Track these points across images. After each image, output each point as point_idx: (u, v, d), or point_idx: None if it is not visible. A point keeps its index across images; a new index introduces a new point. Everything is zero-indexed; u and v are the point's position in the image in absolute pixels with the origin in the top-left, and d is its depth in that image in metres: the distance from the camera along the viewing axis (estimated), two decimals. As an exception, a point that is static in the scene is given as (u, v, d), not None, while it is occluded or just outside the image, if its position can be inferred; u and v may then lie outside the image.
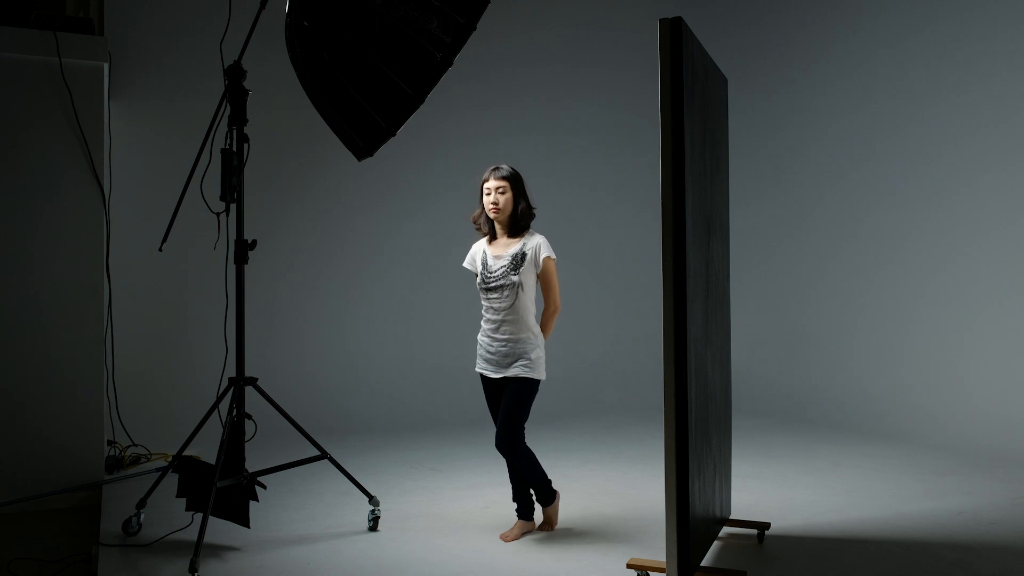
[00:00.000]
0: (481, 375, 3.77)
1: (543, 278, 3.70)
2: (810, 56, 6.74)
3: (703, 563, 3.28)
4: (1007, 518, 3.96)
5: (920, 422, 5.60)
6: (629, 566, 3.24)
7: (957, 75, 5.62)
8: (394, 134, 3.66)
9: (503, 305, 3.67)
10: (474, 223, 3.81)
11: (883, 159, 6.14)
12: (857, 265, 6.33)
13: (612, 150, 7.33)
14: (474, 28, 3.55)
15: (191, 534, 3.53)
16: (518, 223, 3.71)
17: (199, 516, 3.46)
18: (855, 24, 6.36)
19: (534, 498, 3.82)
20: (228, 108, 3.64)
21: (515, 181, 3.70)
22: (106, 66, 4.68)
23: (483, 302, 3.75)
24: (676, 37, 2.93)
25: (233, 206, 3.64)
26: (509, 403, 3.64)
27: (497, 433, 3.66)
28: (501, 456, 3.84)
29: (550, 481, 3.81)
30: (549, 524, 3.81)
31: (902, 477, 4.71)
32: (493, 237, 3.77)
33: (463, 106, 6.65)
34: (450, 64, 3.56)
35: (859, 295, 6.31)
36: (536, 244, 3.68)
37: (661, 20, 2.94)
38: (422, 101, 3.59)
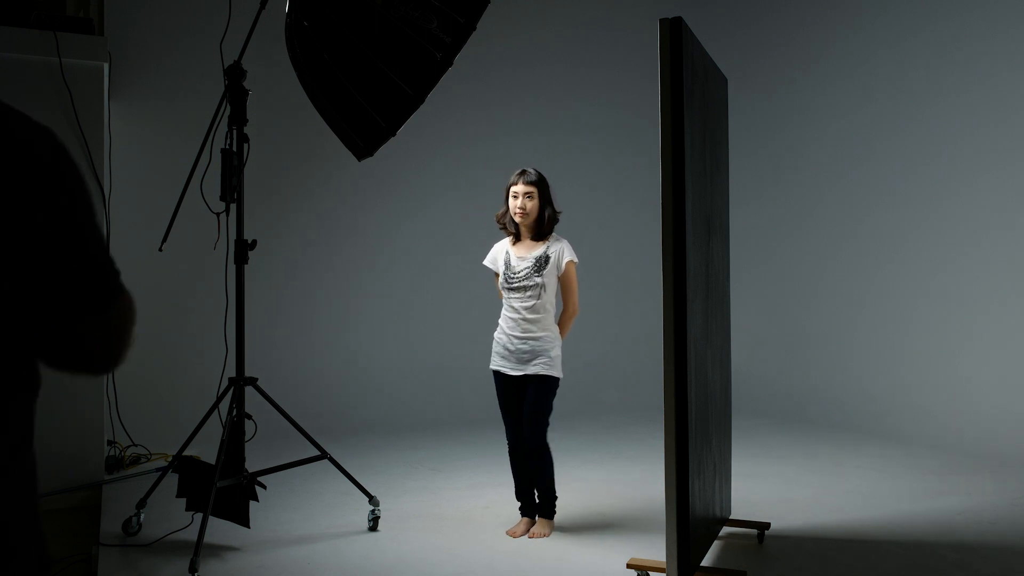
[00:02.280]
0: (497, 372, 3.79)
1: (564, 281, 3.76)
2: (810, 56, 6.73)
3: (703, 563, 3.28)
4: (1007, 518, 3.96)
5: (920, 422, 5.60)
6: (629, 566, 3.24)
7: (957, 75, 5.62)
8: (394, 134, 3.66)
9: (526, 304, 3.71)
10: (498, 222, 3.84)
11: (883, 159, 6.13)
12: (857, 265, 6.33)
13: (612, 150, 7.33)
14: (474, 28, 3.55)
15: (191, 534, 3.53)
16: (543, 228, 3.77)
17: (199, 516, 3.46)
18: (855, 24, 6.36)
19: (536, 500, 3.83)
20: (228, 108, 3.64)
21: (542, 186, 3.75)
22: (106, 66, 4.68)
23: (504, 300, 3.79)
24: (676, 37, 2.93)
25: (233, 206, 3.64)
26: (534, 402, 3.71)
27: (524, 431, 3.73)
28: (508, 456, 3.85)
29: (556, 497, 3.83)
30: (541, 533, 3.78)
31: (902, 477, 4.71)
32: (517, 238, 3.81)
33: (463, 106, 6.65)
34: (450, 64, 3.56)
35: (859, 295, 6.31)
36: (560, 248, 3.75)
37: (661, 20, 2.94)
38: (422, 101, 3.59)
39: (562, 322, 3.81)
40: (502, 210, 3.81)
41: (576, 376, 5.52)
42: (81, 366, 1.19)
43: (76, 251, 1.11)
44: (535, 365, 3.70)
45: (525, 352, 3.71)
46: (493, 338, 3.84)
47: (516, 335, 3.73)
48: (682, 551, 2.91)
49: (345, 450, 5.09)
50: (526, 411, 3.73)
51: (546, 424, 3.74)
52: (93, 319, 1.13)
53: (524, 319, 3.72)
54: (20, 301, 1.06)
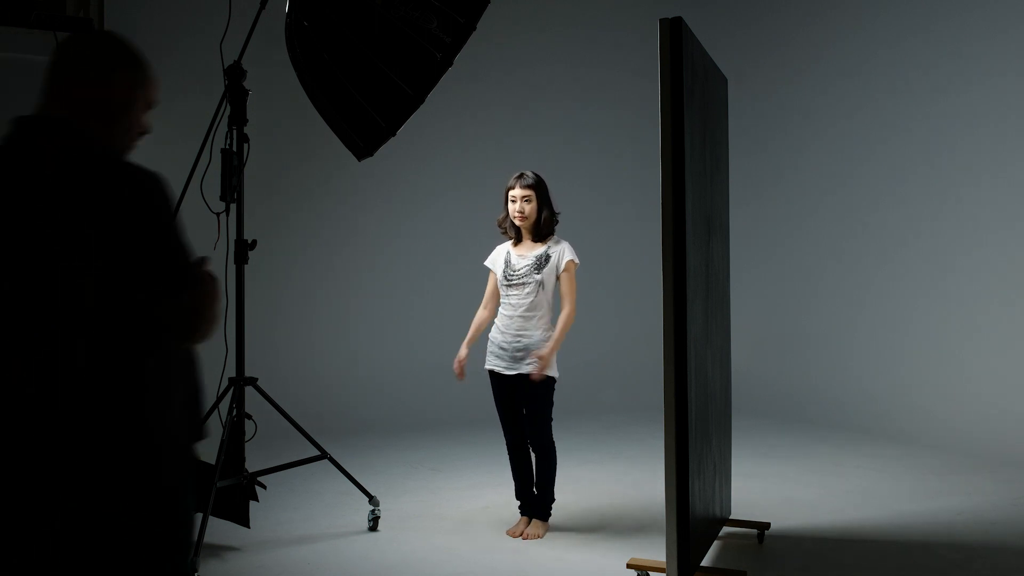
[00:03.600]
0: (492, 372, 3.80)
1: (563, 281, 3.77)
2: (810, 56, 6.73)
3: (703, 563, 3.28)
4: (1007, 518, 3.96)
5: (920, 422, 5.60)
6: (629, 566, 3.24)
7: (957, 75, 5.62)
8: (394, 134, 3.66)
9: (523, 301, 3.73)
10: (499, 226, 3.88)
11: (883, 159, 6.13)
12: (857, 265, 6.32)
13: (612, 150, 7.33)
14: (474, 28, 3.55)
15: (191, 534, 3.52)
16: (542, 230, 3.79)
17: (199, 516, 3.46)
18: (855, 24, 6.36)
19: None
20: (228, 108, 3.64)
21: (540, 189, 3.77)
22: (106, 66, 4.67)
23: (502, 299, 3.81)
24: (676, 37, 2.93)
25: (233, 206, 3.65)
26: (534, 403, 3.73)
27: (528, 432, 3.76)
28: (507, 454, 3.86)
29: (554, 500, 3.84)
30: (535, 534, 3.77)
31: (902, 477, 4.71)
32: (518, 240, 3.84)
33: (463, 106, 6.65)
34: (450, 64, 3.56)
35: (859, 295, 6.30)
36: (561, 249, 3.78)
37: (661, 20, 2.94)
38: (422, 101, 3.59)
39: (560, 324, 3.78)
40: (502, 215, 3.84)
41: (576, 376, 5.55)
42: (172, 334, 1.70)
43: (162, 256, 1.67)
44: (529, 364, 3.70)
45: (519, 350, 3.71)
46: (489, 338, 3.85)
47: (511, 332, 3.74)
48: (682, 551, 2.91)
49: (345, 450, 5.09)
50: (527, 412, 3.76)
51: (549, 420, 3.77)
52: (170, 302, 1.66)
53: (520, 316, 3.73)
54: (131, 292, 1.64)
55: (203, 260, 1.75)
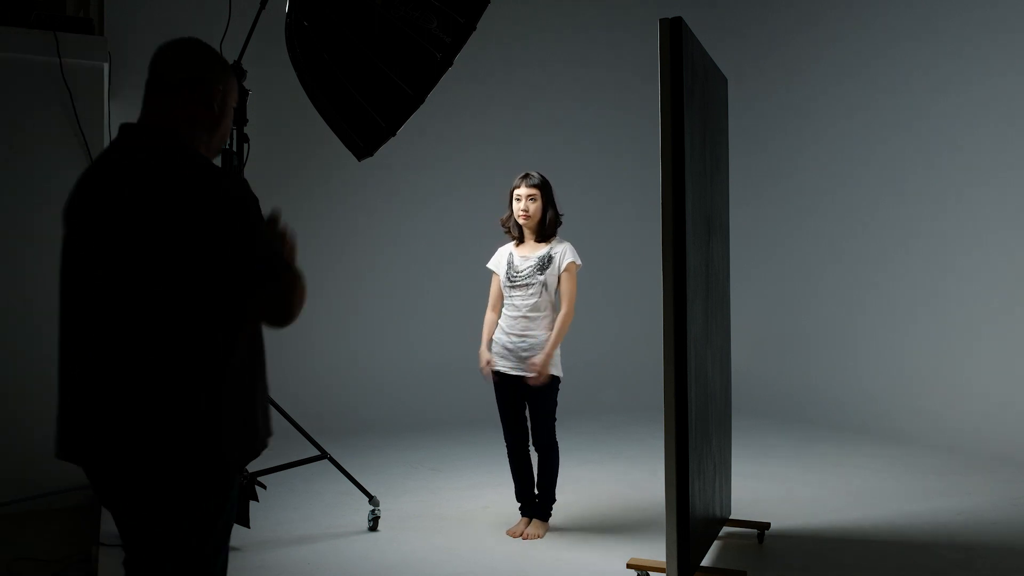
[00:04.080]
0: (495, 372, 3.81)
1: (563, 282, 3.78)
2: (810, 56, 6.73)
3: (703, 563, 3.28)
4: (1007, 518, 3.96)
5: (920, 422, 5.60)
6: (629, 566, 3.24)
7: (957, 75, 5.62)
8: (394, 134, 3.67)
9: (526, 303, 3.75)
10: (503, 226, 3.89)
11: (883, 159, 6.13)
12: (857, 265, 6.33)
13: (612, 150, 7.33)
14: (474, 28, 3.55)
15: (191, 534, 3.52)
16: (546, 230, 3.81)
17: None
18: (855, 24, 6.36)
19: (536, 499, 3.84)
20: (228, 108, 3.63)
21: (545, 189, 3.79)
22: (106, 66, 4.67)
23: (506, 300, 3.82)
24: (676, 37, 2.93)
25: (233, 206, 3.64)
26: (538, 403, 3.74)
27: (532, 431, 3.78)
28: (506, 455, 3.87)
29: (555, 500, 3.84)
30: (535, 534, 3.77)
31: (902, 477, 4.71)
32: (521, 240, 3.86)
33: (463, 106, 6.65)
34: (450, 64, 3.56)
35: (859, 295, 6.30)
36: (563, 249, 3.80)
37: (661, 20, 2.95)
38: (422, 101, 3.59)
39: (556, 326, 3.76)
40: (506, 214, 3.85)
41: (576, 376, 5.56)
42: (265, 319, 1.85)
43: (254, 249, 1.78)
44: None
45: (524, 350, 3.72)
46: (493, 339, 3.85)
47: (515, 333, 3.75)
48: (682, 551, 2.91)
49: (345, 450, 5.09)
50: (532, 412, 3.78)
51: (553, 420, 3.78)
52: (268, 286, 1.78)
53: (524, 316, 3.75)
54: (230, 281, 1.76)
55: (276, 211, 1.89)
